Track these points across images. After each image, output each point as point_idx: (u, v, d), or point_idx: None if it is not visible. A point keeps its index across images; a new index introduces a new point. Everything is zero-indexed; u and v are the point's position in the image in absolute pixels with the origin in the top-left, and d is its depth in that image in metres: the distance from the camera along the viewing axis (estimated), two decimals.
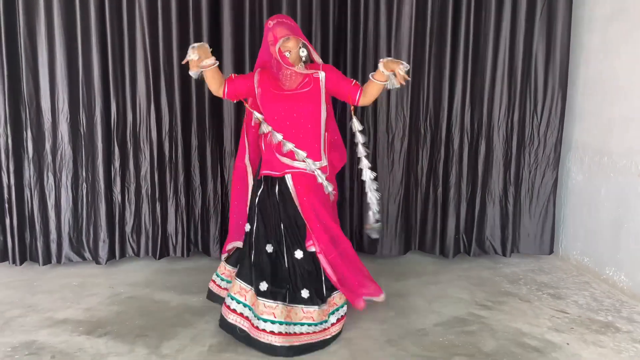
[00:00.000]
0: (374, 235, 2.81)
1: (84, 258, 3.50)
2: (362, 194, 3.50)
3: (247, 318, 2.38)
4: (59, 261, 3.47)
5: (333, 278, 2.43)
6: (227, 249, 2.74)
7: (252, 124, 2.57)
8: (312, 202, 2.41)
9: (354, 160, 2.84)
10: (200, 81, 2.50)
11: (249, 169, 2.61)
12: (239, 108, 3.45)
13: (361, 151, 2.54)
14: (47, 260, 3.44)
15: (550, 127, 3.61)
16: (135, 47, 3.36)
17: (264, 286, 2.35)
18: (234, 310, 2.41)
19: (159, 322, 2.64)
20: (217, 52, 3.42)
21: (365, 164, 2.56)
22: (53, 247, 3.45)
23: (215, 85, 2.44)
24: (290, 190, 2.41)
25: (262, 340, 2.29)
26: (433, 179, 3.67)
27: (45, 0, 3.21)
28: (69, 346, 2.39)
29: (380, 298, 2.65)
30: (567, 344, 2.46)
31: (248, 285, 2.41)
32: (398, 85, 2.25)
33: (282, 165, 2.43)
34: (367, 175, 2.56)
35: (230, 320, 2.41)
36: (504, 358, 2.32)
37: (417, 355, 2.33)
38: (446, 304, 2.90)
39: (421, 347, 2.41)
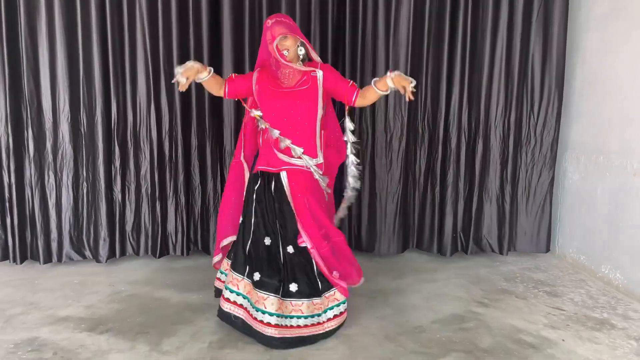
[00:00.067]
0: (342, 213, 2.79)
1: (84, 256, 3.53)
2: (361, 193, 3.57)
3: (242, 307, 2.44)
4: (59, 260, 3.49)
5: (325, 271, 2.47)
6: (222, 245, 2.72)
7: (250, 119, 2.61)
8: (307, 199, 2.44)
9: None
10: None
11: (245, 165, 2.65)
12: (239, 108, 3.48)
13: (350, 149, 2.61)
14: (48, 259, 3.46)
15: (546, 126, 3.65)
16: (135, 47, 3.39)
17: (257, 277, 2.42)
18: (227, 299, 2.49)
19: (160, 320, 2.66)
20: (217, 51, 3.46)
21: (352, 159, 2.62)
22: (54, 245, 3.47)
23: (215, 89, 2.50)
24: (285, 187, 2.45)
25: (258, 330, 2.37)
26: (431, 178, 3.70)
27: None
28: (71, 343, 2.41)
29: (359, 284, 2.63)
30: (563, 340, 2.49)
31: (240, 275, 2.47)
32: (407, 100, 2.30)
33: (279, 161, 2.46)
34: (351, 159, 2.61)
35: (225, 309, 2.49)
36: (500, 354, 2.35)
37: (415, 352, 2.36)
38: (443, 302, 2.93)
39: (419, 344, 2.44)
